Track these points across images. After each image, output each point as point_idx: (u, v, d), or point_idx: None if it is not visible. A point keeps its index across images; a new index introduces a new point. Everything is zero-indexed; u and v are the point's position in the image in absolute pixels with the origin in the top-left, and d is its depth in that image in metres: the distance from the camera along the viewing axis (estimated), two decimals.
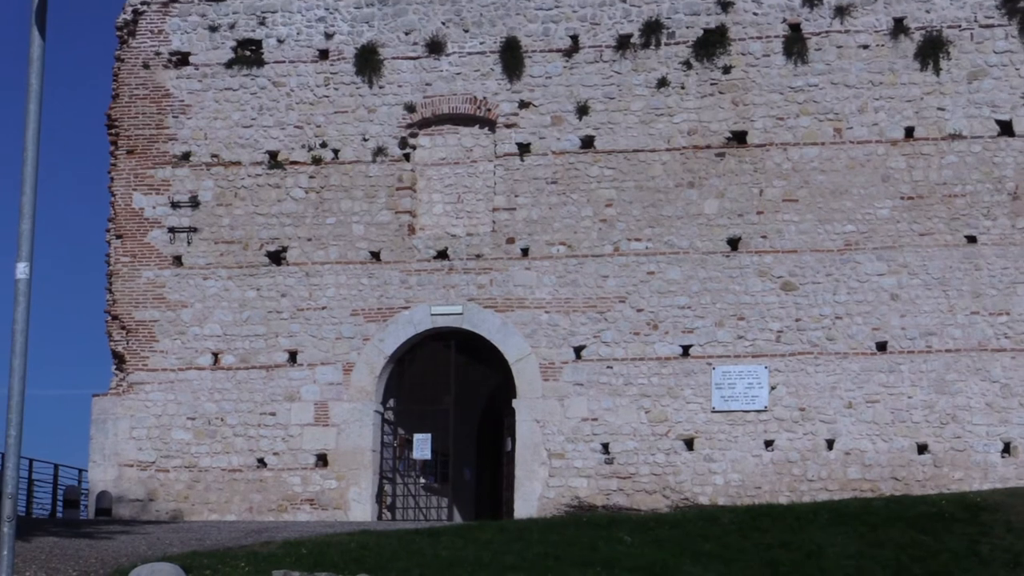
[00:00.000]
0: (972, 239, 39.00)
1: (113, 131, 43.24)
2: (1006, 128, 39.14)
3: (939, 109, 39.59)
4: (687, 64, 40.92)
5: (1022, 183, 38.91)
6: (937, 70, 39.73)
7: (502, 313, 41.04)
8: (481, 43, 42.04)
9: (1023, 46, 39.30)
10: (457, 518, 41.74)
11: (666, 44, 41.11)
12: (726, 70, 40.74)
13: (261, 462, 41.44)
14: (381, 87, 42.41)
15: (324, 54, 42.78)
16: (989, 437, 38.32)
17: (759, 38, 40.75)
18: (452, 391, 41.94)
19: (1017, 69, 39.32)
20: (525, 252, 41.06)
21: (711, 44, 40.81)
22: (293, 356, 41.73)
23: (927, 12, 39.90)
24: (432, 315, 41.33)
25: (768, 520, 30.79)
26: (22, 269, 17.34)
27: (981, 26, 39.65)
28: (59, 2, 17.77)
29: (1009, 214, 38.90)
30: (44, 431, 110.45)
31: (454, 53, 42.17)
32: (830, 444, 39.05)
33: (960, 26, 39.73)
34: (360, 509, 40.51)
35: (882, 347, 39.15)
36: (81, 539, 29.31)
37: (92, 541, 28.88)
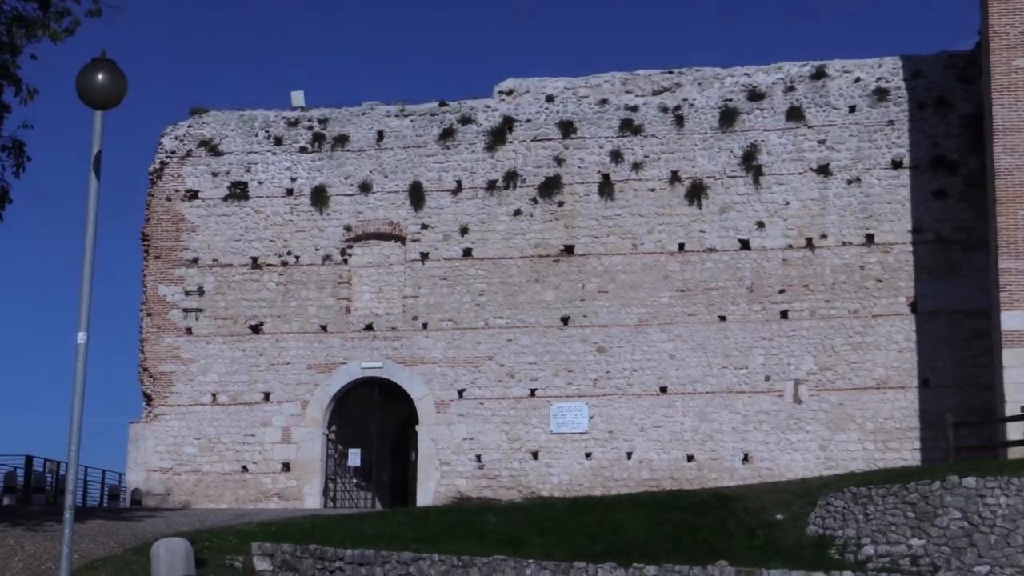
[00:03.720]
0: (723, 318, 39.37)
1: (145, 243, 43.01)
2: (745, 244, 39.57)
3: (701, 231, 39.99)
4: (534, 200, 41.14)
5: (755, 281, 39.37)
6: (699, 205, 40.12)
7: (409, 367, 41.01)
8: (396, 185, 42.12)
9: (755, 190, 39.77)
10: (378, 506, 41.53)
11: (520, 186, 41.31)
12: (560, 204, 40.98)
13: (244, 468, 41.12)
14: (328, 214, 42.37)
15: (290, 191, 42.69)
16: (734, 450, 38.63)
17: (582, 183, 41.04)
18: (375, 420, 41.83)
19: (752, 206, 39.76)
20: (425, 326, 41.06)
21: (550, 187, 41.06)
22: (267, 396, 41.47)
23: (693, 167, 40.34)
24: (362, 368, 41.23)
25: (588, 507, 30.74)
26: (81, 336, 17.25)
27: (728, 177, 40.11)
28: (110, 154, 17.83)
29: (747, 302, 39.32)
30: (96, 447, 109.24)
31: (378, 191, 42.22)
32: (629, 455, 39.21)
33: (715, 176, 40.18)
34: (312, 500, 40.28)
35: (664, 390, 39.35)
36: (120, 521, 29.01)
37: (128, 522, 28.60)
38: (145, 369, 42.26)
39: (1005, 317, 33.70)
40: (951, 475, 27.39)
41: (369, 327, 41.39)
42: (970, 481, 26.92)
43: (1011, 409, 32.58)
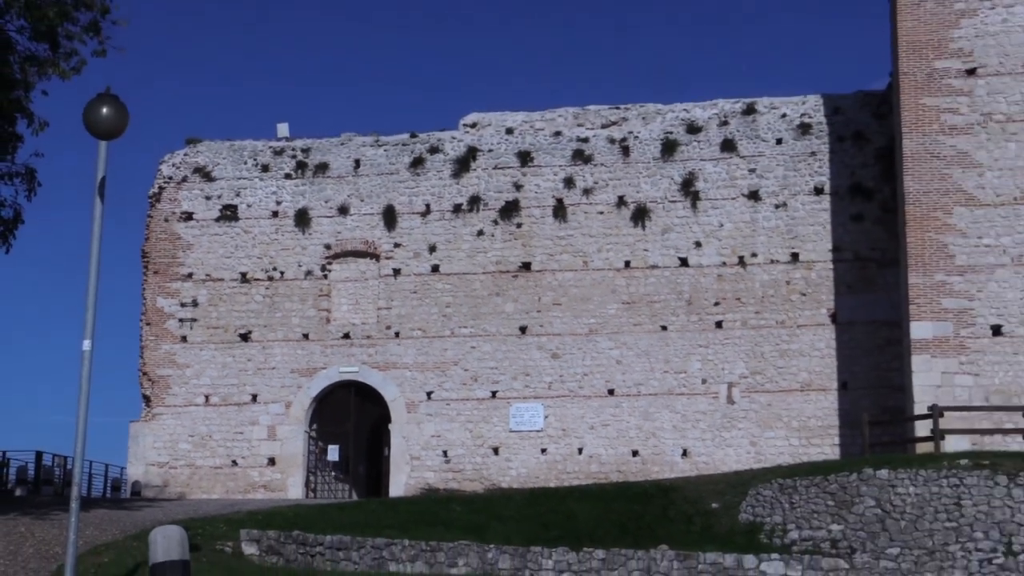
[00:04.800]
0: (664, 328, 39.48)
1: (145, 259, 42.84)
2: (684, 262, 39.71)
3: (644, 250, 40.12)
4: (495, 222, 41.19)
5: (693, 295, 39.52)
6: (643, 227, 40.26)
7: (383, 371, 40.96)
8: (371, 208, 42.11)
9: (693, 213, 39.94)
10: (354, 497, 41.40)
11: (482, 209, 41.37)
12: (519, 225, 41.05)
13: (234, 462, 40.95)
14: (310, 234, 42.30)
15: (275, 213, 42.60)
16: (674, 446, 38.74)
17: (538, 207, 41.12)
18: (352, 418, 41.72)
19: (690, 227, 39.92)
20: (397, 334, 41.03)
21: (510, 210, 41.13)
22: (255, 397, 41.32)
23: (637, 192, 40.49)
24: (340, 372, 41.15)
25: (543, 497, 30.80)
26: (86, 344, 17.19)
27: (669, 202, 40.27)
28: (114, 179, 17.77)
29: (686, 313, 39.46)
30: (99, 443, 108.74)
31: (355, 214, 42.18)
32: (580, 451, 39.25)
33: (657, 201, 40.34)
34: (295, 491, 40.13)
35: (611, 392, 39.43)
36: (121, 510, 28.87)
37: (128, 511, 28.46)
38: (144, 373, 42.07)
39: (914, 327, 33.97)
40: (867, 468, 27.62)
41: (347, 335, 41.33)
42: (883, 473, 27.15)
43: (919, 409, 32.80)
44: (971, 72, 34.84)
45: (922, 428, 32.30)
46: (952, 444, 31.03)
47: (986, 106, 34.57)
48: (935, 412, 31.02)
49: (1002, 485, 26.06)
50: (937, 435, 30.67)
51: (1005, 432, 31.48)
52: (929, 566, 25.65)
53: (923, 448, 31.39)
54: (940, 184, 34.34)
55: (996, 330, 33.66)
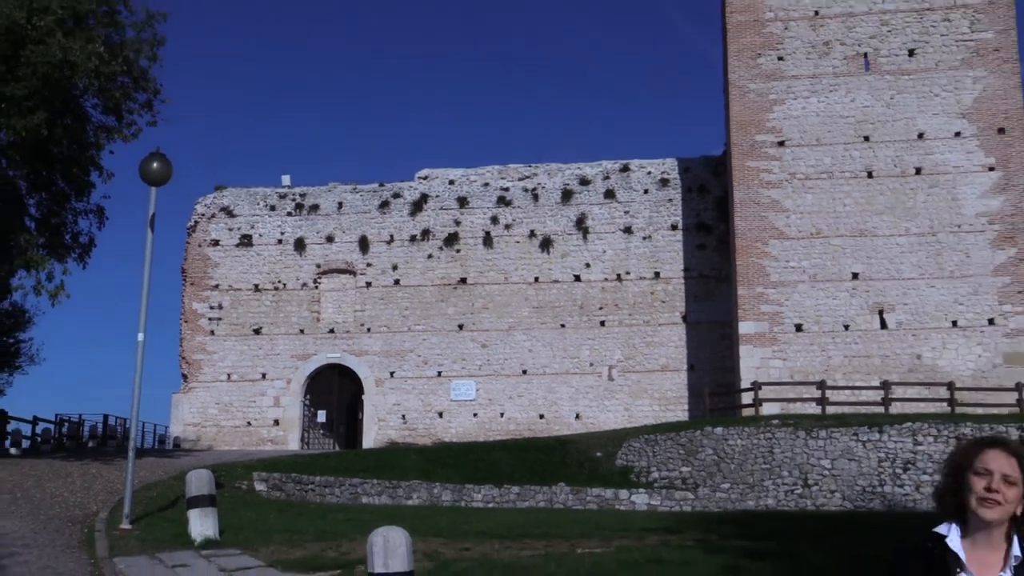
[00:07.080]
0: (563, 325, 39.73)
1: (184, 274, 42.42)
2: (577, 278, 39.95)
3: (549, 269, 40.37)
4: (441, 248, 41.26)
5: (584, 302, 39.80)
6: (548, 252, 40.54)
7: (358, 356, 40.86)
8: (350, 238, 42.00)
9: (584, 243, 40.26)
10: (337, 448, 41.26)
11: (431, 239, 41.41)
12: (458, 251, 41.14)
13: (249, 423, 40.63)
14: (305, 256, 42.11)
15: (280, 241, 42.37)
16: (569, 411, 38.99)
17: (472, 237, 41.24)
18: (335, 391, 41.64)
19: (582, 253, 40.16)
20: (369, 330, 40.95)
21: (451, 239, 41.21)
22: (264, 375, 41.03)
23: (544, 227, 40.75)
24: (327, 358, 41.00)
25: (475, 449, 30.75)
26: (140, 336, 17.08)
27: (567, 234, 40.56)
28: (161, 215, 17.75)
29: (579, 315, 39.74)
30: (150, 408, 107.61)
31: (339, 241, 42.06)
32: (502, 415, 39.39)
33: (558, 234, 40.58)
34: (294, 445, 39.90)
35: (524, 372, 39.60)
36: (165, 458, 28.60)
37: (171, 459, 28.20)
38: (183, 357, 41.65)
39: (741, 326, 34.52)
40: (707, 426, 28.03)
41: (332, 330, 41.18)
42: (719, 430, 27.58)
43: (744, 383, 33.29)
44: (781, 144, 35.52)
45: (746, 398, 32.86)
46: (767, 409, 31.55)
47: (791, 168, 35.26)
48: (755, 386, 31.57)
49: (801, 438, 26.61)
50: (757, 403, 31.22)
51: (804, 400, 32.06)
52: (750, 496, 26.13)
53: (747, 412, 31.91)
54: (760, 223, 34.97)
55: (798, 328, 34.31)
